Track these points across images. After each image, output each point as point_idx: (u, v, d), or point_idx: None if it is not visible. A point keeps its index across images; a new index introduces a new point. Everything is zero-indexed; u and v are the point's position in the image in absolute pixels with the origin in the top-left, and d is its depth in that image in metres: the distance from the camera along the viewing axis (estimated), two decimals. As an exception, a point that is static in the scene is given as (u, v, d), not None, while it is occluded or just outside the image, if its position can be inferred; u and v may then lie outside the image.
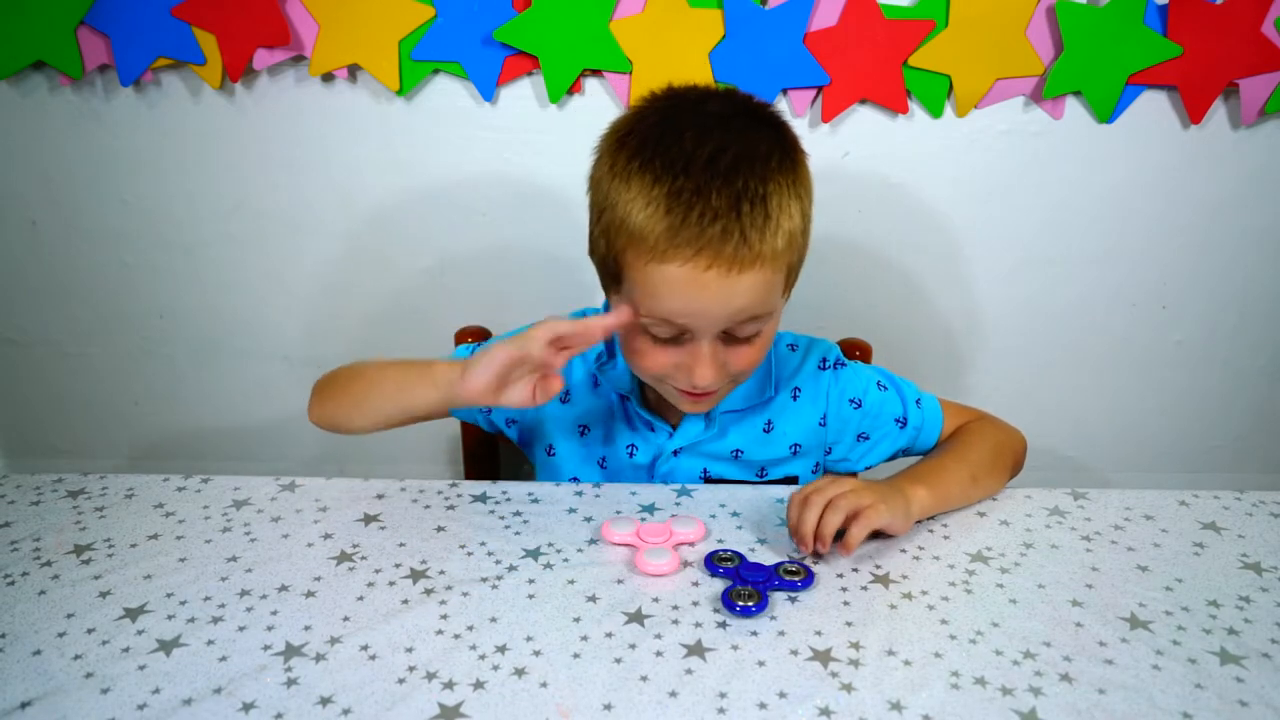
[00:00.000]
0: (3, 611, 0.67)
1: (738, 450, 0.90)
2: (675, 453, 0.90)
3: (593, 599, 0.69)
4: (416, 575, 0.72)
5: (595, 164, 0.77)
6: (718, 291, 0.70)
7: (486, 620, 0.66)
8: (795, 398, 0.90)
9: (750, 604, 0.67)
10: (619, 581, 0.71)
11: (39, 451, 1.42)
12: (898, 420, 0.90)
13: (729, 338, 0.75)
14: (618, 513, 0.80)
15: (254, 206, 1.24)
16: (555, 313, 0.77)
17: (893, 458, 0.93)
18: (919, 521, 0.79)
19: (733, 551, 0.74)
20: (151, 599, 0.69)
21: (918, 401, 0.91)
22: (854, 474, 0.98)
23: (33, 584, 0.71)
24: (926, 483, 0.79)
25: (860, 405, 0.91)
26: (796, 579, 0.70)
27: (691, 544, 0.75)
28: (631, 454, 0.90)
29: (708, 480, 0.91)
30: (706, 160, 0.69)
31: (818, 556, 0.73)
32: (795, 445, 0.91)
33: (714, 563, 0.72)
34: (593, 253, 0.80)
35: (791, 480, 0.92)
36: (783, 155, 0.73)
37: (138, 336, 1.33)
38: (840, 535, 0.72)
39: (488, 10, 1.09)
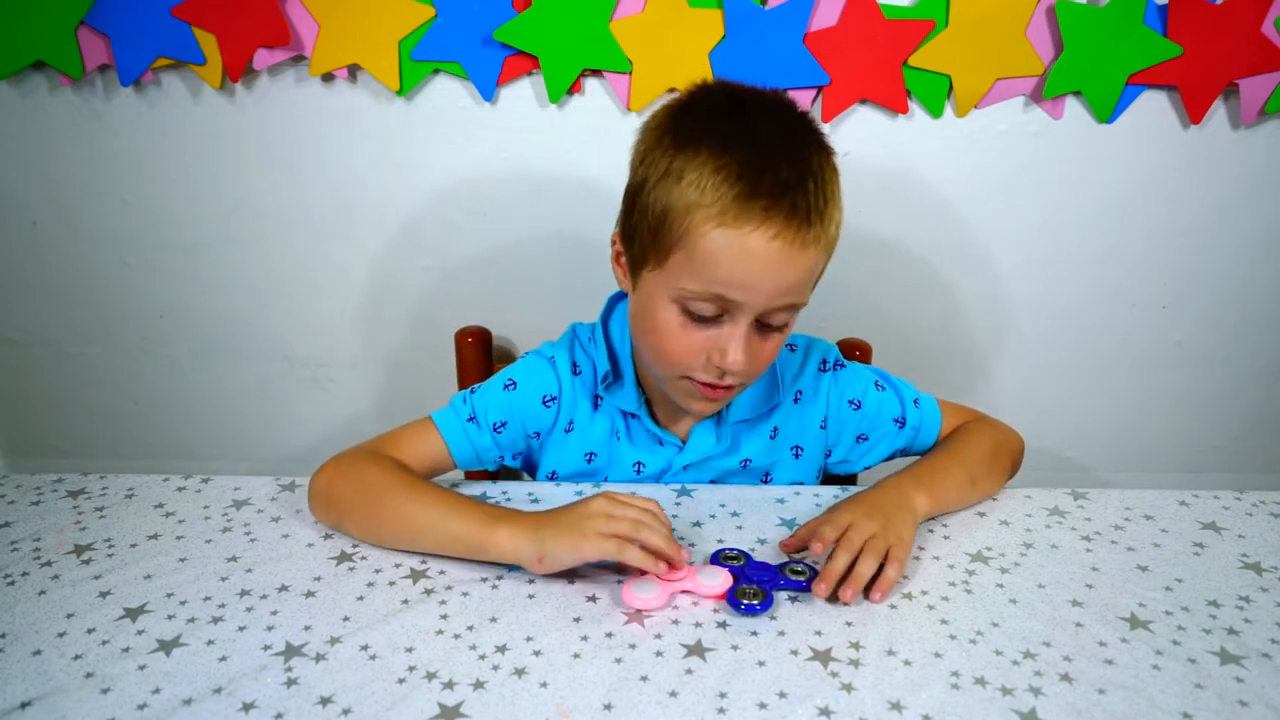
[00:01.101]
0: (3, 611, 0.67)
1: (746, 460, 0.90)
2: (685, 468, 0.89)
3: (593, 599, 0.69)
4: (416, 575, 0.72)
5: (645, 138, 0.76)
6: (779, 264, 0.70)
7: (486, 620, 0.66)
8: (797, 401, 0.90)
9: (755, 602, 0.67)
10: (619, 582, 0.71)
11: (39, 451, 1.42)
12: (896, 420, 0.90)
13: (761, 326, 0.75)
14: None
15: (254, 206, 1.24)
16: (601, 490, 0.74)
17: (891, 457, 0.93)
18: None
19: (739, 550, 0.74)
20: (151, 599, 0.69)
21: (915, 402, 0.91)
22: (853, 476, 0.98)
23: (33, 584, 0.71)
24: (927, 489, 0.79)
25: (859, 407, 0.90)
26: (803, 579, 0.70)
27: (719, 596, 0.69)
28: (639, 470, 0.90)
29: None
30: (773, 134, 0.71)
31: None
32: (796, 448, 0.91)
33: (720, 560, 0.72)
34: (628, 230, 0.78)
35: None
36: (828, 154, 0.75)
37: (138, 336, 1.33)
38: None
39: (488, 10, 1.09)
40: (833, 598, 0.69)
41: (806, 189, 0.70)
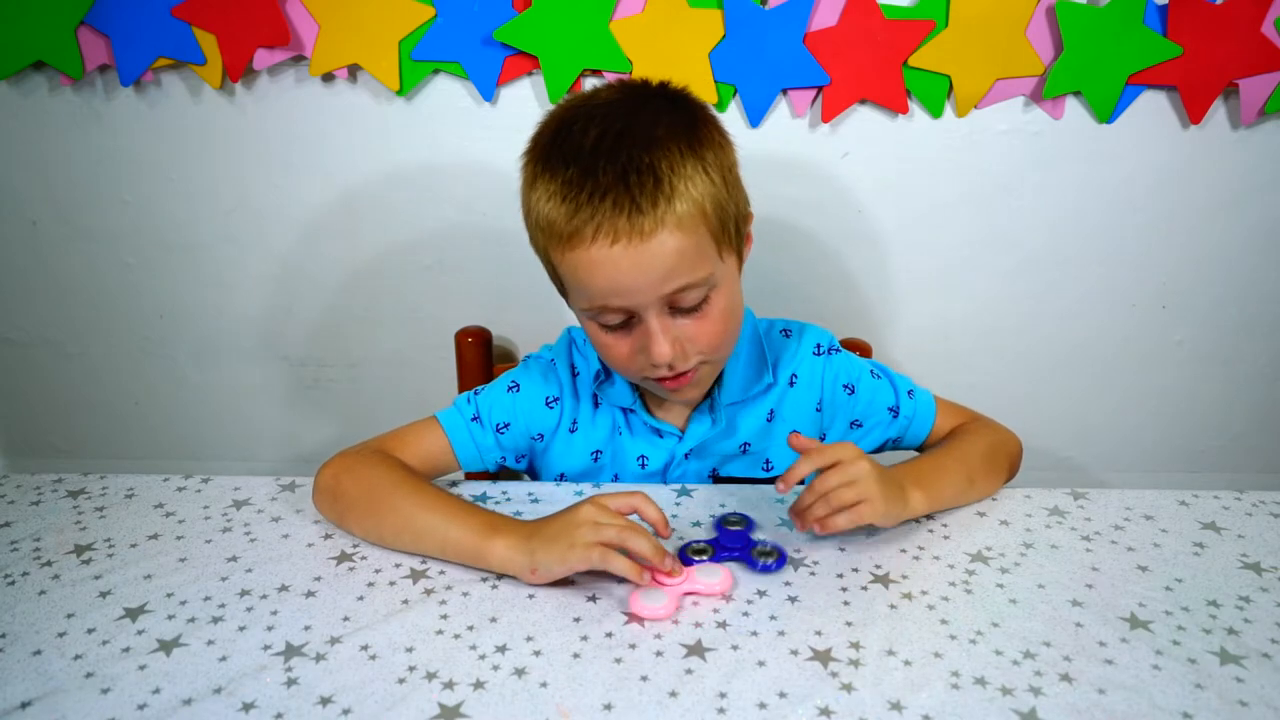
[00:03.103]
0: (3, 611, 0.67)
1: (745, 444, 0.90)
2: (686, 455, 0.89)
3: (593, 599, 0.69)
4: (416, 575, 0.72)
5: (520, 191, 0.79)
6: (631, 264, 0.71)
7: (486, 620, 0.66)
8: (793, 384, 0.90)
9: (771, 560, 0.71)
10: (619, 581, 0.70)
11: (39, 451, 1.42)
12: (890, 409, 0.90)
13: (676, 312, 0.75)
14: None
15: (254, 206, 1.24)
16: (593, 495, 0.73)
17: (882, 447, 0.93)
18: (915, 520, 0.79)
19: (741, 515, 0.78)
20: (151, 599, 0.69)
21: (910, 393, 0.91)
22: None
23: (33, 584, 0.71)
24: (924, 486, 0.79)
25: (854, 391, 0.91)
26: (770, 560, 0.72)
27: (720, 596, 0.69)
28: (643, 465, 0.90)
29: (716, 480, 0.91)
30: (591, 146, 0.72)
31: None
32: (794, 433, 0.91)
33: (723, 526, 0.77)
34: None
35: None
36: (674, 125, 0.74)
37: (138, 336, 1.33)
38: None
39: (488, 10, 1.09)
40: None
41: (628, 183, 0.70)
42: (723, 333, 0.78)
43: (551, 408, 0.90)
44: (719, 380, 0.87)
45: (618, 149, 0.71)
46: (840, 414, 0.92)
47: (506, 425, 0.88)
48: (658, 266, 0.71)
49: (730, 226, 0.77)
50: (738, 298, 0.80)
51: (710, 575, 0.70)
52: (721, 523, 0.78)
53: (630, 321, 0.76)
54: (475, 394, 0.90)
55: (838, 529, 0.72)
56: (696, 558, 0.72)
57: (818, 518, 0.73)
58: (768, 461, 0.91)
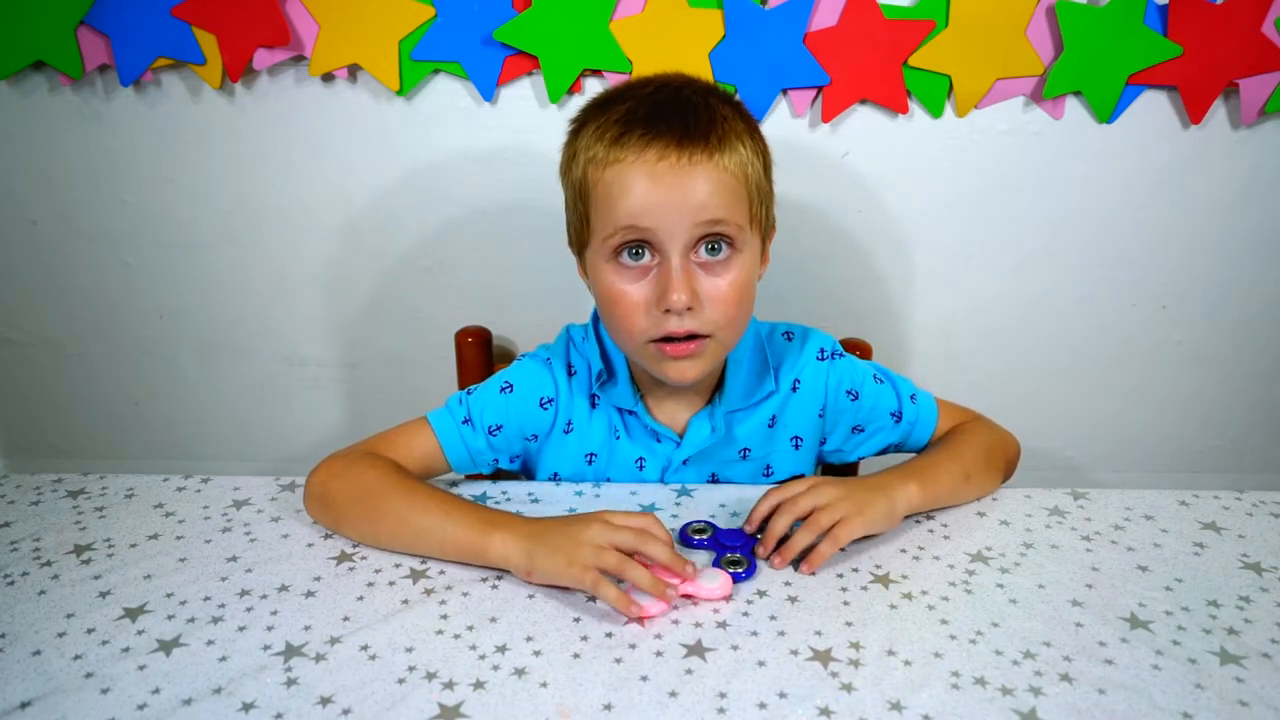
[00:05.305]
0: (3, 611, 0.67)
1: (745, 449, 0.90)
2: (684, 462, 0.89)
3: (593, 599, 0.69)
4: (416, 575, 0.72)
5: (562, 151, 0.82)
6: (672, 182, 0.73)
7: (486, 620, 0.66)
8: (795, 389, 0.90)
9: (741, 570, 0.71)
10: (619, 582, 0.70)
11: (39, 451, 1.42)
12: (893, 414, 0.90)
13: (700, 265, 0.76)
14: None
15: (254, 206, 1.24)
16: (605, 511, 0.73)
17: (884, 451, 0.93)
18: (915, 520, 0.79)
19: (705, 522, 0.78)
20: (151, 599, 0.69)
21: (912, 397, 0.91)
22: (848, 465, 0.98)
23: (33, 584, 0.71)
24: (918, 479, 0.79)
25: (857, 397, 0.90)
26: (739, 569, 0.72)
27: (714, 602, 0.69)
28: (641, 467, 0.90)
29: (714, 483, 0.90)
30: (651, 93, 0.76)
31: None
32: (796, 438, 0.91)
33: (690, 534, 0.76)
34: (569, 230, 0.83)
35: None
36: (730, 106, 0.78)
37: (138, 336, 1.33)
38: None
39: (488, 10, 1.09)
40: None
41: (685, 116, 0.73)
42: (737, 303, 0.78)
43: (546, 409, 0.89)
44: (720, 385, 0.87)
45: (677, 99, 0.75)
46: (843, 420, 0.92)
47: (499, 427, 0.88)
48: (698, 193, 0.73)
49: (761, 211, 0.79)
50: (753, 284, 0.80)
51: (711, 580, 0.69)
52: (686, 531, 0.77)
53: (649, 264, 0.76)
54: (468, 394, 0.89)
55: (824, 559, 0.72)
56: (696, 536, 0.74)
57: (800, 547, 0.72)
58: (768, 467, 0.91)
